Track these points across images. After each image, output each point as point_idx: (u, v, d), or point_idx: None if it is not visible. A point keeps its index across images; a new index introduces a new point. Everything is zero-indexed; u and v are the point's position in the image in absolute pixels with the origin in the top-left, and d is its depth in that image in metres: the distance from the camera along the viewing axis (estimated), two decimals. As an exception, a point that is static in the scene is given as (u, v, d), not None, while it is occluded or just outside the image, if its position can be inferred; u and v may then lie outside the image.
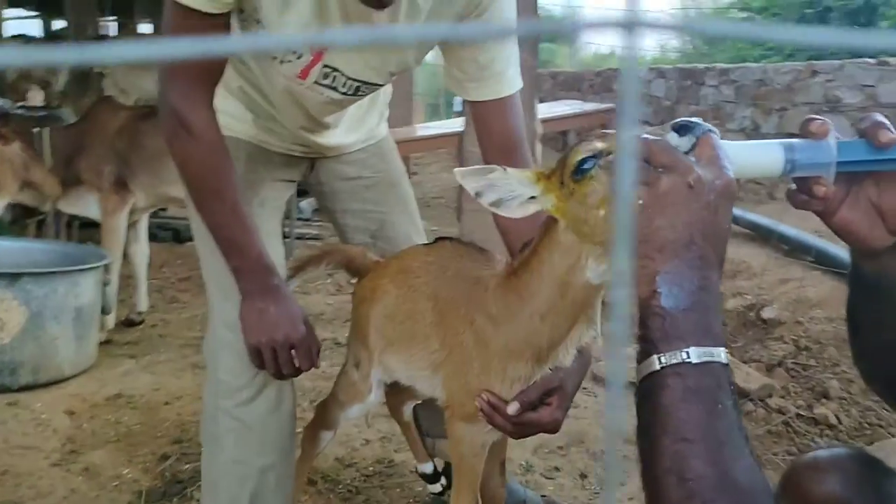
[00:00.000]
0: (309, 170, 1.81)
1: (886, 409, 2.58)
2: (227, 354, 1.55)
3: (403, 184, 1.94)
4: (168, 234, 5.15)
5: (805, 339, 3.15)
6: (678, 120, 0.86)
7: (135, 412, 2.66)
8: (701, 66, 7.60)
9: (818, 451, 1.16)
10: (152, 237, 4.04)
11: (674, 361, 0.74)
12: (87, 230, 4.16)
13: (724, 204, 0.79)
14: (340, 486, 2.23)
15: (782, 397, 2.82)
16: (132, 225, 3.58)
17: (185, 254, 4.87)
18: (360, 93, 1.51)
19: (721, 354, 0.75)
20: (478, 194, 1.04)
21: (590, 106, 8.20)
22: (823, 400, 2.75)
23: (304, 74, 1.43)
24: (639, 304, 0.80)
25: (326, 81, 1.45)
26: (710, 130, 0.84)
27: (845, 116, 5.43)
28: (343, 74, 1.44)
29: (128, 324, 3.57)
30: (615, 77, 9.02)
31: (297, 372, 1.53)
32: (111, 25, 10.88)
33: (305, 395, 2.61)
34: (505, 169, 1.05)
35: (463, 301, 1.36)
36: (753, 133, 6.35)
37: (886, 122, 0.91)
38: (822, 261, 3.40)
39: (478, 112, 1.49)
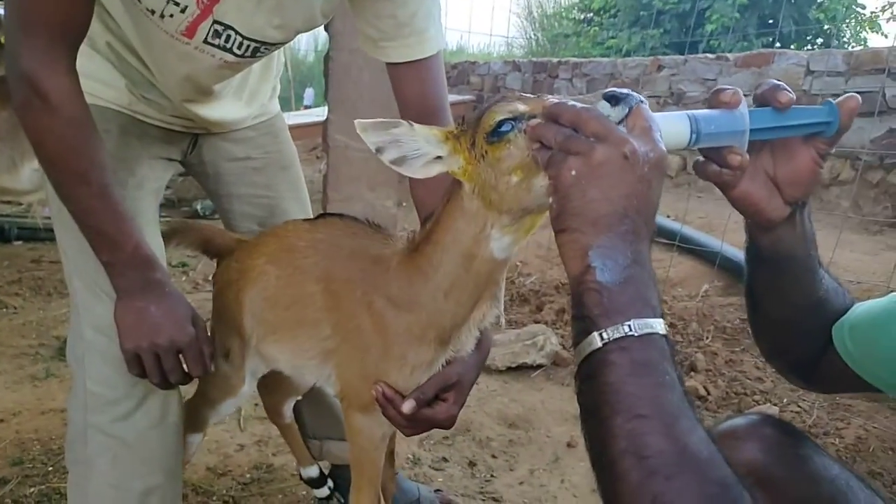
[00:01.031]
0: (191, 147, 1.59)
1: (750, 379, 2.74)
2: (99, 362, 1.33)
3: (295, 167, 1.78)
4: (-8, 232, 4.59)
5: (670, 315, 3.29)
6: (609, 89, 0.83)
7: (-38, 433, 2.30)
8: (554, 59, 7.85)
9: (734, 419, 1.16)
10: (-27, 236, 3.57)
11: (616, 336, 0.71)
12: None
13: (657, 176, 0.77)
14: (215, 498, 2.04)
15: (654, 373, 2.92)
16: (-51, 221, 3.13)
17: (13, 254, 4.37)
18: (258, 54, 1.32)
19: (660, 325, 0.73)
20: (378, 150, 0.96)
21: (450, 97, 8.24)
22: (692, 373, 2.88)
23: (189, 32, 1.22)
24: (571, 282, 0.76)
25: (218, 41, 1.25)
26: (641, 101, 0.81)
27: (688, 108, 5.79)
28: (238, 33, 1.25)
29: (-53, 334, 3.11)
30: (471, 70, 9.14)
31: (187, 379, 1.34)
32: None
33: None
34: (411, 124, 0.97)
35: (360, 282, 1.25)
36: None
37: (782, 84, 0.92)
38: (685, 242, 3.57)
39: (395, 75, 1.33)
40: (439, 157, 0.99)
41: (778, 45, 10.56)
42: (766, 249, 1.02)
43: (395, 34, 1.31)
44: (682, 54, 6.43)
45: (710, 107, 0.90)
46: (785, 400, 2.62)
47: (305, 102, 15.85)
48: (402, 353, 1.19)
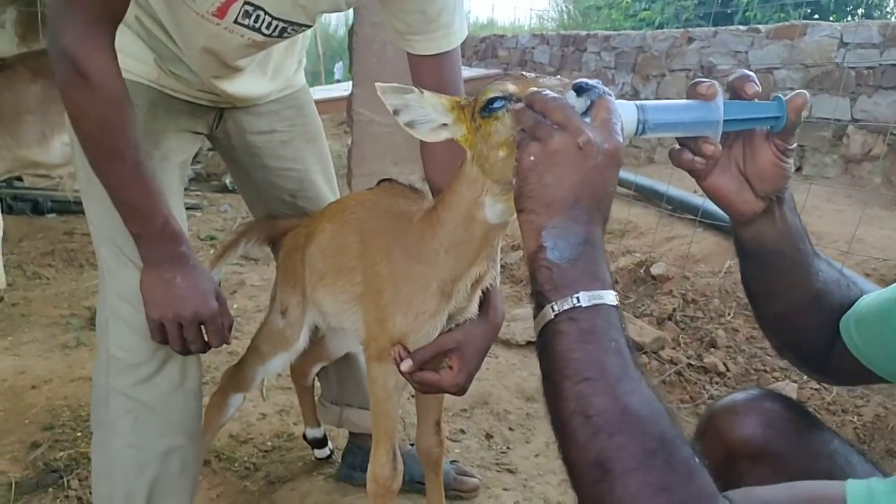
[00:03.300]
0: (217, 121, 1.62)
1: (770, 356, 2.73)
2: (122, 328, 1.38)
3: (321, 140, 1.81)
4: (26, 205, 4.71)
5: (692, 292, 3.27)
6: (578, 81, 0.87)
7: (-3, 398, 2.40)
8: (583, 33, 7.74)
9: (735, 395, 1.17)
10: (7, 209, 3.66)
11: (566, 307, 0.76)
12: None
13: (611, 166, 0.81)
14: (237, 464, 2.11)
15: (673, 349, 2.92)
16: (-17, 194, 3.22)
17: (46, 226, 4.49)
18: (285, 34, 1.35)
19: (610, 297, 0.77)
20: (395, 112, 1.06)
21: (475, 71, 8.20)
22: (711, 349, 2.87)
23: (221, 13, 1.25)
24: (527, 260, 0.82)
25: (247, 21, 1.28)
26: (606, 93, 0.85)
27: (719, 82, 5.68)
28: (268, 14, 1.28)
29: (-16, 303, 3.22)
30: (499, 43, 9.06)
31: (206, 348, 1.39)
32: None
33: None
34: (422, 92, 1.07)
35: (385, 233, 1.38)
36: (633, 98, 6.54)
37: (752, 75, 0.96)
38: (707, 217, 3.54)
39: (417, 64, 1.40)
40: (445, 125, 1.08)
41: (816, 16, 10.27)
42: (749, 243, 1.04)
43: (423, 29, 1.35)
44: (716, 26, 6.30)
45: (688, 97, 0.93)
46: (804, 377, 2.60)
47: (336, 76, 15.87)
48: (408, 299, 1.30)
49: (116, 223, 1.30)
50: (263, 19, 1.29)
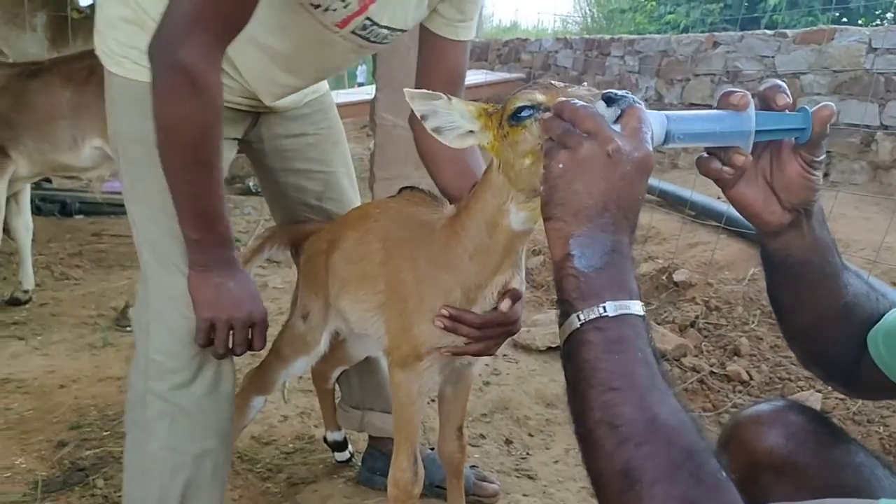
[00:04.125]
0: (252, 126, 1.65)
1: (794, 365, 2.70)
2: (163, 332, 1.40)
3: (344, 143, 1.85)
4: (54, 206, 4.79)
5: (715, 299, 3.25)
6: (608, 91, 0.87)
7: (26, 397, 2.44)
8: (607, 37, 7.71)
9: (760, 405, 1.16)
10: (36, 210, 3.73)
11: (592, 316, 0.76)
12: None
13: (640, 175, 0.81)
14: (259, 466, 2.13)
15: (696, 356, 2.90)
16: (13, 196, 3.28)
17: (75, 228, 4.56)
18: (384, 41, 1.43)
19: (637, 307, 0.77)
20: (423, 117, 1.08)
21: (499, 75, 8.20)
22: (735, 357, 2.85)
23: (343, 24, 1.32)
24: (554, 267, 0.82)
25: (363, 32, 1.36)
26: (636, 103, 0.85)
27: (744, 86, 5.63)
28: (378, 25, 1.36)
29: (13, 303, 3.29)
30: (522, 47, 9.05)
31: (244, 352, 1.42)
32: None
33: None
34: (450, 99, 1.08)
35: (409, 241, 1.39)
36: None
37: (783, 85, 0.95)
38: (731, 224, 3.51)
39: (446, 48, 1.52)
40: (472, 132, 1.10)
41: (844, 20, 10.14)
42: (776, 255, 1.03)
43: (470, 15, 1.50)
44: (743, 30, 6.24)
45: (718, 107, 0.93)
46: (829, 387, 2.57)
47: (359, 80, 15.94)
48: (432, 306, 1.30)
49: (162, 228, 1.34)
50: (374, 31, 1.37)
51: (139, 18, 1.34)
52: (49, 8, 5.56)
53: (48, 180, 4.74)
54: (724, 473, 0.68)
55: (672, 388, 0.74)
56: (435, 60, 1.53)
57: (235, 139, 1.62)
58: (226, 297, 1.34)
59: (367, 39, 1.39)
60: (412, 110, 1.51)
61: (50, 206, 4.76)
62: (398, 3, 1.36)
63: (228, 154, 1.60)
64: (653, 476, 0.67)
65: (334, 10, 1.29)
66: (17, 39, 5.41)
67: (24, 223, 3.40)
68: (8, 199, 3.19)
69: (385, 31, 1.39)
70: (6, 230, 3.27)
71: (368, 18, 1.33)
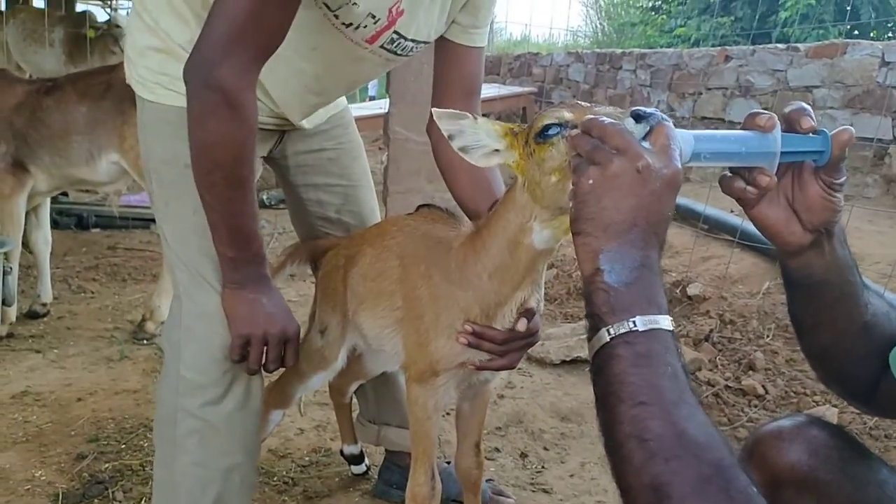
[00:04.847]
0: (277, 143, 1.68)
1: (811, 379, 2.68)
2: (194, 349, 1.42)
3: (363, 157, 1.87)
4: (71, 220, 4.84)
5: (729, 313, 3.24)
6: (636, 108, 0.88)
7: (44, 410, 2.46)
8: (618, 50, 7.74)
9: (781, 420, 1.16)
10: (53, 224, 3.77)
11: (622, 331, 0.77)
12: None
13: (669, 191, 0.82)
14: (275, 479, 2.13)
15: (710, 370, 2.89)
16: (32, 210, 3.32)
17: (91, 241, 4.60)
18: (410, 53, 1.46)
19: (666, 321, 0.78)
20: (450, 136, 1.10)
21: (510, 89, 8.23)
22: (750, 371, 2.83)
23: (373, 39, 1.35)
24: (583, 282, 0.83)
25: (391, 46, 1.39)
26: (664, 120, 0.86)
27: (756, 100, 5.64)
28: (406, 38, 1.39)
29: (31, 315, 3.32)
30: (534, 61, 9.09)
31: (277, 368, 1.44)
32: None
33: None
34: (476, 118, 1.10)
35: (425, 259, 1.40)
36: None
37: (809, 109, 0.96)
38: (745, 238, 3.50)
39: (462, 56, 1.54)
40: (497, 150, 1.11)
41: (856, 33, 10.14)
42: (796, 274, 1.03)
43: (484, 22, 1.53)
44: (754, 44, 6.25)
45: (744, 128, 0.94)
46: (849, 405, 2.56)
47: (370, 93, 16.03)
48: (450, 324, 1.32)
49: (195, 247, 1.36)
50: (401, 44, 1.40)
51: (168, 46, 1.37)
52: (67, 24, 5.65)
53: (65, 194, 4.79)
54: (753, 489, 0.68)
55: (700, 403, 0.75)
56: (452, 69, 1.56)
57: (262, 157, 1.65)
58: (260, 313, 1.36)
59: (395, 53, 1.42)
60: (429, 120, 1.55)
61: (67, 219, 4.81)
62: (424, 16, 1.39)
63: (257, 172, 1.64)
64: (682, 491, 0.68)
65: (364, 26, 1.31)
66: (35, 55, 5.50)
67: (43, 237, 3.43)
68: (27, 213, 3.23)
69: (411, 44, 1.42)
70: (25, 243, 3.31)
71: (396, 32, 1.36)
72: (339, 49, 1.37)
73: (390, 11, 1.31)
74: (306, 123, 1.64)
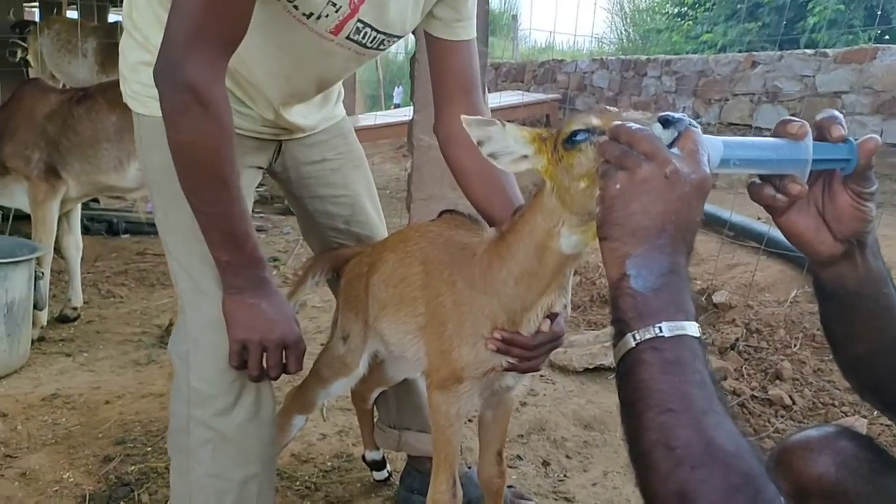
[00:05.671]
0: (276, 155, 1.68)
1: (839, 389, 2.64)
2: (202, 359, 1.42)
3: (365, 167, 1.87)
4: (101, 226, 4.93)
5: (756, 321, 3.20)
6: (664, 113, 0.88)
7: (73, 412, 2.50)
8: (643, 57, 7.70)
9: (809, 431, 1.14)
10: (84, 230, 3.85)
11: (648, 336, 0.76)
12: (18, 222, 3.94)
13: (697, 197, 0.82)
14: (298, 483, 2.14)
15: (736, 379, 2.85)
16: (64, 216, 3.39)
17: (120, 246, 4.68)
18: (381, 47, 1.44)
19: (693, 328, 0.77)
20: (479, 143, 1.10)
21: (535, 96, 8.23)
22: (777, 381, 2.79)
23: (337, 30, 1.33)
24: (610, 287, 0.82)
25: (357, 37, 1.37)
26: (692, 125, 0.85)
27: (784, 106, 5.58)
28: (373, 28, 1.37)
29: (62, 319, 3.38)
30: (558, 68, 9.08)
31: (279, 375, 1.42)
32: (35, 10, 10.33)
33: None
34: (504, 125, 1.10)
35: (448, 265, 1.40)
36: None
37: (840, 117, 0.94)
38: (772, 245, 3.46)
39: (451, 50, 1.52)
40: (526, 156, 1.11)
41: (886, 38, 9.98)
42: (829, 285, 1.01)
43: (467, 15, 1.51)
44: (782, 50, 6.19)
45: (775, 135, 0.93)
46: (875, 412, 2.51)
47: (395, 101, 16.12)
48: (475, 331, 1.32)
49: (196, 254, 1.36)
50: (369, 34, 1.38)
51: None
52: (99, 35, 5.77)
53: (96, 200, 4.89)
54: (781, 500, 0.68)
55: (729, 410, 0.74)
56: (443, 66, 1.54)
57: (260, 168, 1.65)
58: (258, 318, 1.35)
59: (364, 45, 1.40)
60: (435, 121, 1.55)
61: (98, 225, 4.90)
62: (396, 8, 1.37)
63: (254, 182, 1.63)
64: (709, 500, 0.67)
65: (326, 16, 1.29)
66: (68, 65, 5.62)
67: (74, 242, 3.50)
68: (59, 219, 3.30)
69: (381, 36, 1.40)
70: (57, 249, 3.37)
71: (360, 20, 1.33)
72: (305, 44, 1.35)
73: None
74: (303, 120, 1.62)
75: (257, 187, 1.74)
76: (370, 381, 1.87)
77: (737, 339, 3.09)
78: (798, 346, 2.99)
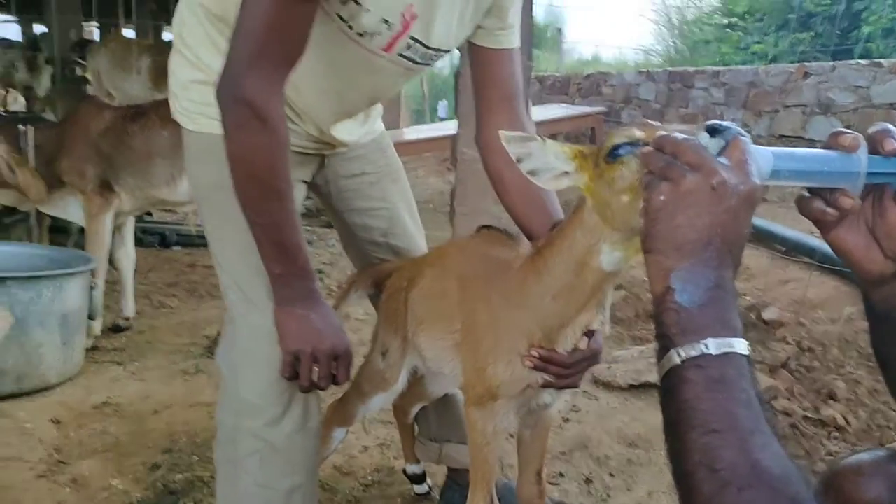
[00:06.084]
0: (318, 168, 1.71)
1: (894, 411, 2.55)
2: (252, 371, 1.44)
3: (404, 180, 1.88)
4: (154, 238, 5.06)
5: (808, 340, 3.11)
6: (711, 122, 0.86)
7: (123, 421, 2.56)
8: (691, 69, 7.61)
9: (860, 454, 1.10)
10: (137, 242, 3.96)
11: (693, 354, 0.74)
12: (55, 235, 4.11)
13: (746, 209, 0.79)
14: (339, 496, 2.15)
15: (787, 399, 2.77)
16: (117, 228, 3.49)
17: (172, 258, 4.79)
18: (430, 61, 1.46)
19: (741, 346, 0.75)
20: (519, 160, 1.08)
21: (579, 109, 8.19)
22: (830, 401, 2.71)
23: (389, 47, 1.35)
24: (654, 301, 0.80)
25: (407, 53, 1.39)
26: (741, 134, 0.83)
27: (837, 118, 5.44)
28: (423, 45, 1.38)
29: (115, 330, 3.47)
30: (603, 80, 9.02)
31: (328, 386, 1.44)
32: (94, 30, 10.73)
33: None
34: (545, 140, 1.08)
35: (484, 280, 1.39)
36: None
37: (893, 130, 0.90)
38: (825, 261, 3.37)
39: (494, 59, 1.52)
40: (567, 172, 1.09)
41: (946, 46, 9.66)
42: (880, 305, 0.98)
43: (511, 23, 1.50)
44: (835, 60, 6.05)
45: (826, 147, 0.90)
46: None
47: (440, 115, 16.21)
48: (511, 347, 1.30)
49: (246, 266, 1.39)
50: (419, 50, 1.39)
51: (210, 78, 1.40)
52: (153, 53, 5.96)
53: (149, 213, 5.02)
54: None
55: (776, 432, 0.71)
56: (485, 75, 1.54)
57: (304, 182, 1.67)
58: (309, 329, 1.37)
59: (414, 61, 1.41)
60: (477, 131, 1.55)
61: (150, 237, 5.02)
62: (442, 23, 1.37)
63: (299, 195, 1.65)
64: None
65: (379, 34, 1.31)
66: (123, 83, 5.82)
67: (127, 254, 3.59)
68: (113, 232, 3.39)
69: (432, 52, 1.41)
70: (111, 260, 3.47)
71: (412, 37, 1.35)
72: (357, 62, 1.38)
73: (403, 16, 1.30)
74: (347, 136, 1.64)
75: (304, 200, 1.77)
76: (410, 396, 1.88)
77: (788, 358, 3.01)
78: (852, 366, 2.89)
